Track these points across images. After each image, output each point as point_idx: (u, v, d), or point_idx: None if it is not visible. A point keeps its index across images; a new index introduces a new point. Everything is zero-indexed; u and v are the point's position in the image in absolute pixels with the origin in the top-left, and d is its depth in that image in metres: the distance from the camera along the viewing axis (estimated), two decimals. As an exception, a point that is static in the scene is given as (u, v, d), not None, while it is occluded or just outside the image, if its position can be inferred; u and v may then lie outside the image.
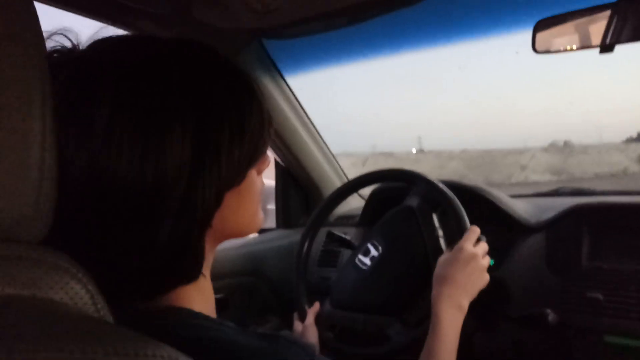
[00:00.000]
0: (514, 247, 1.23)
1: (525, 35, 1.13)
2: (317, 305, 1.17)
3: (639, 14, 0.99)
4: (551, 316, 1.06)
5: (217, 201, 0.50)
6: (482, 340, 0.96)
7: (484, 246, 0.95)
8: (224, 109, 0.50)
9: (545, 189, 1.54)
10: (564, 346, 1.08)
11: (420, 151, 18.95)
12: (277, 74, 1.44)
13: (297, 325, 1.15)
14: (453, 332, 0.85)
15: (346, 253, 1.39)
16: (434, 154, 18.91)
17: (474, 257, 0.91)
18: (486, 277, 0.93)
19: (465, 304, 0.89)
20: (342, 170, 1.83)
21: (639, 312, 0.99)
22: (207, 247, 0.53)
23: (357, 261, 1.15)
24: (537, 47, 1.11)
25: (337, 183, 1.77)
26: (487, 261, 0.93)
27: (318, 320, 1.13)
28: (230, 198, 0.52)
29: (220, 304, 0.67)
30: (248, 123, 0.52)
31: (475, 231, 0.96)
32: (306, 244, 1.27)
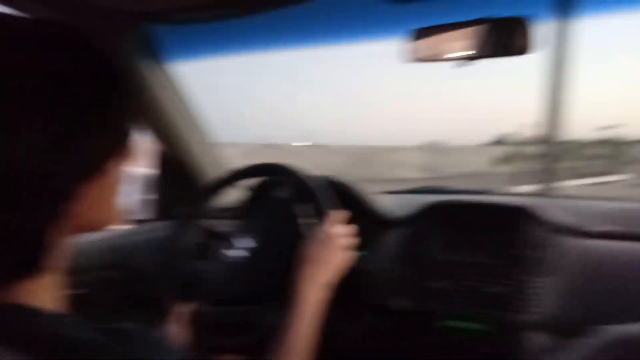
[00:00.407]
0: (378, 240, 1.30)
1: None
2: (189, 304, 1.14)
3: (498, 33, 1.13)
4: (407, 304, 1.15)
5: (69, 193, 0.48)
6: (343, 328, 1.01)
7: (343, 228, 1.00)
8: (79, 97, 0.47)
9: (414, 185, 1.66)
10: (413, 331, 1.19)
11: (306, 145, 19.41)
12: (160, 59, 1.37)
13: (169, 323, 1.11)
14: (314, 309, 0.90)
15: (220, 245, 1.39)
16: (316, 148, 19.51)
17: (333, 237, 0.97)
18: (346, 256, 0.98)
19: (330, 282, 0.94)
20: (222, 162, 1.80)
21: (475, 298, 1.12)
22: (58, 240, 0.49)
23: (229, 254, 1.15)
24: (414, 55, 1.20)
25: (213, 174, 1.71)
26: (347, 242, 0.99)
27: (192, 317, 1.11)
28: (86, 190, 0.50)
29: (80, 300, 0.62)
30: (106, 113, 0.50)
31: (334, 215, 1.01)
32: (178, 237, 1.23)
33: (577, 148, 17.87)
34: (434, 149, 21.31)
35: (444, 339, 1.14)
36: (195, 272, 1.43)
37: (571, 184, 13.69)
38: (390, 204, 1.41)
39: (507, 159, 17.02)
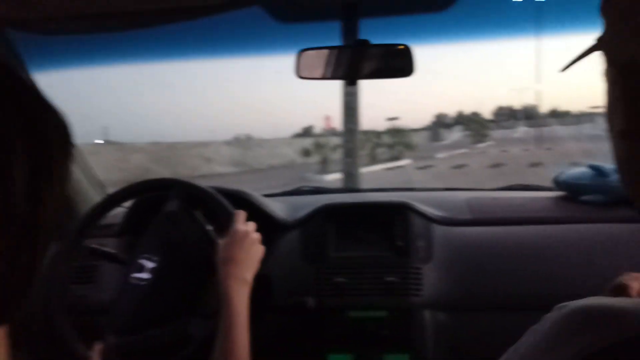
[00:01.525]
0: (273, 244, 1.34)
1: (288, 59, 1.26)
2: (98, 345, 1.02)
3: (375, 57, 1.26)
4: (310, 302, 1.22)
5: None
6: (251, 332, 1.03)
7: (251, 224, 1.06)
8: (45, 128, 0.43)
9: (229, 180, 1.70)
10: (320, 326, 1.26)
11: (105, 143, 17.65)
12: (25, 69, 1.18)
13: None
14: (242, 304, 0.94)
15: (107, 267, 1.29)
16: (117, 146, 17.97)
17: (247, 234, 1.02)
18: (261, 249, 1.04)
19: (249, 277, 0.98)
20: (94, 173, 1.62)
21: (371, 289, 1.26)
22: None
23: (132, 280, 1.08)
24: (300, 73, 1.26)
25: (91, 191, 1.61)
26: (258, 236, 1.04)
27: (106, 356, 1.00)
28: None
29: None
30: (63, 137, 0.47)
31: (241, 213, 1.07)
32: (65, 266, 1.14)
33: (369, 138, 20.26)
34: (243, 142, 21.66)
35: (349, 329, 1.23)
36: (81, 297, 1.29)
37: (367, 170, 15.56)
38: (280, 208, 1.46)
39: (311, 151, 18.32)
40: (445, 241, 1.31)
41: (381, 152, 20.21)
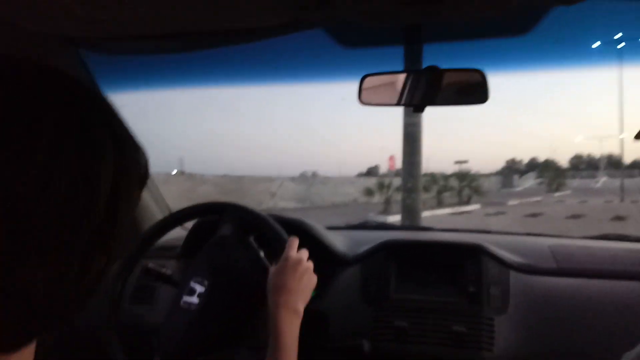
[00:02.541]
0: (332, 279, 1.28)
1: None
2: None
3: (443, 83, 1.18)
4: (366, 346, 1.17)
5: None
6: None
7: (305, 252, 1.01)
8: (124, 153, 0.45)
9: (292, 215, 1.66)
10: None
11: (179, 173, 18.61)
12: (96, 89, 1.22)
13: None
14: (293, 337, 0.90)
15: (164, 288, 1.29)
16: (188, 177, 18.83)
17: (299, 262, 0.97)
18: (314, 279, 0.99)
19: (301, 308, 0.93)
20: (164, 200, 1.67)
21: (436, 337, 1.14)
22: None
23: (182, 303, 1.07)
24: (363, 98, 1.20)
25: (157, 213, 1.64)
26: (311, 264, 0.99)
27: None
28: None
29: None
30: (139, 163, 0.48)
31: (294, 240, 1.02)
32: (120, 284, 1.14)
33: (436, 180, 19.83)
34: (307, 179, 21.97)
35: None
36: (137, 317, 1.33)
37: (431, 214, 15.11)
38: (339, 241, 1.38)
39: (376, 190, 18.21)
40: (523, 291, 1.17)
41: (448, 196, 19.65)
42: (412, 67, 1.16)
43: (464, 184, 20.19)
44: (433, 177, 20.16)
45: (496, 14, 1.12)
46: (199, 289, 1.08)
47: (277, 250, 1.03)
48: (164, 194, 1.74)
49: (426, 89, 1.18)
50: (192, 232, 1.46)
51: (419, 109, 1.21)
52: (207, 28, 1.08)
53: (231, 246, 1.12)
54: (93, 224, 0.41)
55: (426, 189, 18.35)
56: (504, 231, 1.66)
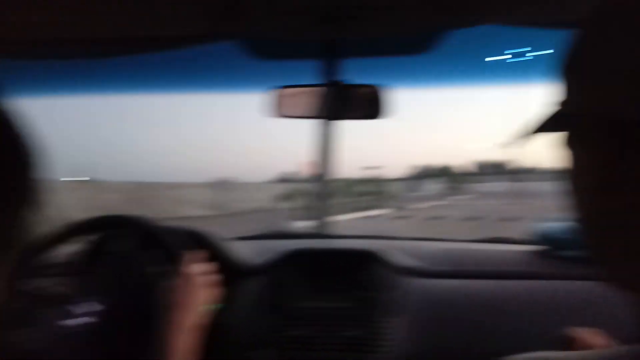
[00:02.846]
0: (236, 291, 1.28)
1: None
2: None
3: (352, 98, 1.25)
4: (272, 356, 1.16)
5: None
6: None
7: (202, 266, 1.00)
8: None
9: (203, 223, 1.63)
10: None
11: (77, 181, 17.27)
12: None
13: None
14: (184, 356, 0.88)
15: (48, 310, 1.17)
16: (89, 184, 17.60)
17: (195, 277, 0.96)
18: (214, 293, 0.98)
19: (197, 325, 0.92)
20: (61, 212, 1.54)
21: (333, 344, 1.19)
22: None
23: (70, 325, 0.99)
24: (276, 110, 1.23)
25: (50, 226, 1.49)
26: (207, 279, 0.98)
27: None
28: None
29: None
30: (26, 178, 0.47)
31: (191, 255, 1.01)
32: None
33: (347, 186, 20.39)
34: (220, 185, 21.50)
35: None
36: (17, 344, 1.19)
37: (343, 218, 15.50)
38: (245, 252, 1.38)
39: (288, 196, 18.28)
40: (416, 293, 1.25)
41: (359, 200, 20.28)
42: (325, 81, 1.21)
43: (374, 189, 20.96)
44: (345, 182, 20.70)
45: (403, 33, 1.21)
46: (94, 307, 1.02)
47: (175, 265, 1.01)
48: (65, 205, 1.63)
49: (338, 103, 1.24)
50: (86, 247, 1.38)
51: (329, 121, 1.27)
52: (123, 35, 1.05)
53: (126, 262, 1.08)
54: None
55: (339, 193, 18.82)
56: (403, 236, 1.76)
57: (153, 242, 1.09)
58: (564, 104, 0.39)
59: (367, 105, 1.24)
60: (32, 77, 1.24)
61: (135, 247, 1.10)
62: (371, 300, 1.23)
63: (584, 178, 0.39)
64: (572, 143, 0.40)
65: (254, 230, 1.80)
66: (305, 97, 1.23)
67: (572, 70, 0.37)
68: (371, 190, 20.91)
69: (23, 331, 1.21)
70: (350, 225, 13.89)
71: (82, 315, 1.00)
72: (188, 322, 0.91)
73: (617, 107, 0.32)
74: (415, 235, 1.78)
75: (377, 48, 1.36)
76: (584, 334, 0.72)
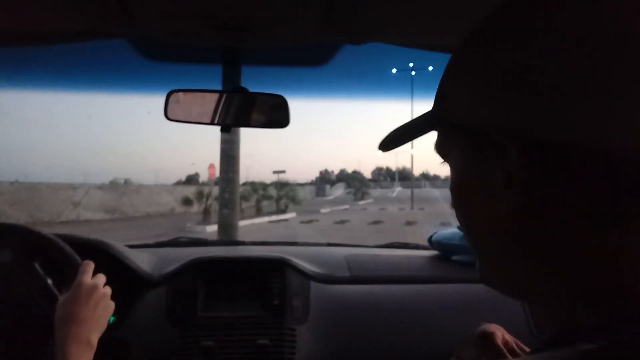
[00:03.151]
0: (136, 302, 1.22)
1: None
2: None
3: (251, 105, 1.23)
4: None
5: None
6: None
7: (101, 277, 0.94)
8: None
9: (99, 227, 1.56)
10: None
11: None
12: None
13: None
14: None
15: None
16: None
17: (94, 288, 0.90)
18: (112, 306, 0.93)
19: (95, 339, 0.87)
20: None
21: (242, 353, 1.17)
22: None
23: None
24: (169, 114, 1.18)
25: None
26: (108, 290, 0.93)
27: None
28: None
29: None
30: None
31: (88, 264, 0.95)
32: None
33: (253, 190, 20.24)
34: (118, 187, 20.24)
35: None
36: None
37: (249, 223, 15.38)
38: (146, 261, 1.32)
39: (194, 199, 17.76)
40: (322, 300, 1.27)
41: (267, 204, 20.22)
42: (224, 88, 1.18)
43: (281, 193, 21.02)
44: (253, 186, 20.54)
45: (295, 44, 1.22)
46: None
47: (67, 276, 0.95)
48: None
49: (234, 110, 1.21)
50: None
51: (227, 129, 1.24)
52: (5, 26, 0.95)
53: (11, 274, 0.99)
54: None
55: (246, 197, 18.61)
56: (308, 242, 1.79)
57: (40, 251, 1.02)
58: (442, 109, 0.39)
59: (265, 114, 1.23)
60: None
61: (21, 257, 1.01)
62: (278, 307, 1.22)
63: (458, 186, 0.40)
64: (446, 150, 0.41)
65: (152, 235, 1.71)
66: (199, 102, 1.19)
67: (452, 84, 0.38)
68: (280, 194, 20.94)
69: None
70: (259, 229, 13.81)
71: None
72: (86, 336, 0.85)
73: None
74: (322, 240, 1.82)
75: (276, 57, 1.36)
76: (497, 329, 0.71)
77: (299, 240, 1.79)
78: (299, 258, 1.37)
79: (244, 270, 1.32)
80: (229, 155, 7.20)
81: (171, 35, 1.09)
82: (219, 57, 1.27)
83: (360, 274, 1.37)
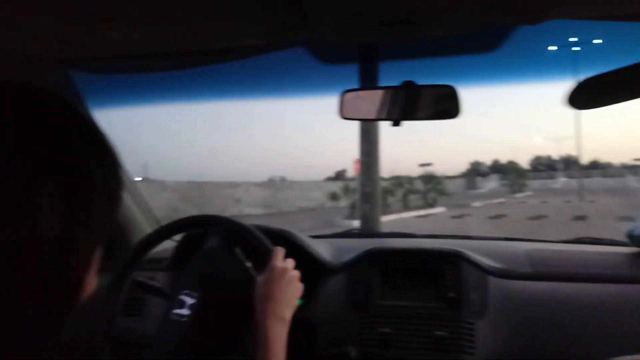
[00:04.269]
0: (318, 288, 1.32)
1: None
2: None
3: (420, 98, 1.27)
4: (353, 353, 1.19)
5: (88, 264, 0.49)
6: None
7: (290, 261, 1.06)
8: (89, 170, 0.46)
9: (259, 221, 1.71)
10: None
11: (143, 180, 18.22)
12: (83, 107, 1.30)
13: None
14: (281, 345, 0.94)
15: (154, 300, 1.32)
16: (148, 183, 18.44)
17: (285, 271, 1.02)
18: (300, 287, 1.04)
19: (288, 316, 0.98)
20: (151, 211, 1.71)
21: (419, 342, 1.20)
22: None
23: (173, 315, 1.10)
24: (344, 113, 1.27)
25: (145, 226, 1.67)
26: (297, 273, 1.04)
27: None
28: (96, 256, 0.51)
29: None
30: (110, 181, 0.50)
31: (280, 250, 1.07)
32: (113, 298, 1.17)
33: (400, 184, 20.15)
34: (273, 184, 21.89)
35: None
36: (128, 330, 1.35)
37: (398, 217, 15.35)
38: (324, 250, 1.43)
39: (342, 194, 18.33)
40: (502, 295, 1.24)
41: (414, 198, 20.02)
42: (391, 83, 1.23)
43: (429, 187, 20.62)
44: (399, 181, 20.49)
45: (462, 34, 1.22)
46: (189, 300, 1.11)
47: (263, 260, 1.07)
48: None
49: (403, 104, 1.25)
50: (181, 244, 1.49)
51: (397, 123, 1.29)
52: (194, 48, 1.13)
53: (218, 258, 1.17)
54: (41, 263, 0.42)
55: (392, 192, 18.66)
56: (483, 236, 1.74)
57: (240, 239, 1.17)
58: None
59: (434, 106, 1.25)
60: (112, 89, 1.36)
61: (224, 244, 1.18)
62: (457, 300, 1.23)
63: None
64: None
65: (305, 229, 1.86)
66: (370, 100, 1.25)
67: None
68: (427, 188, 20.57)
69: (137, 319, 1.39)
70: (407, 224, 13.74)
71: (182, 306, 1.11)
72: (281, 313, 0.96)
73: None
74: (483, 235, 1.77)
75: (442, 48, 1.37)
76: None
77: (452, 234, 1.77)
78: (475, 252, 1.35)
79: (419, 262, 1.35)
80: (369, 145, 7.24)
81: (344, 37, 1.18)
82: (383, 54, 1.32)
83: (544, 270, 1.30)
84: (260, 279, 1.03)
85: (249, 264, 1.17)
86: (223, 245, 1.19)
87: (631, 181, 38.15)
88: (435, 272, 1.31)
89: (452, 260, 1.31)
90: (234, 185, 19.35)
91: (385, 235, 1.79)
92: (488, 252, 1.39)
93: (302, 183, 22.65)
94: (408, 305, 1.26)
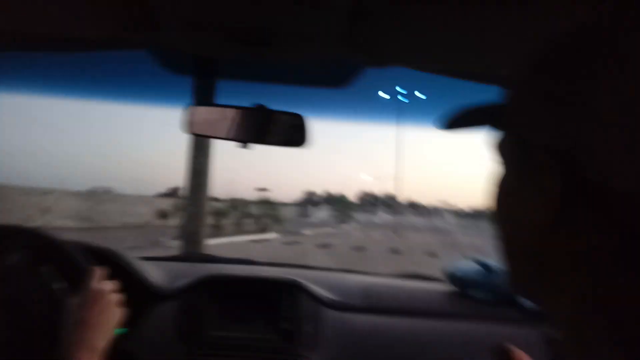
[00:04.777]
0: (145, 315, 1.23)
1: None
2: None
3: (272, 123, 1.26)
4: None
5: None
6: None
7: (111, 283, 0.96)
8: None
9: (69, 235, 1.56)
10: None
11: None
12: None
13: None
14: None
15: None
16: None
17: (102, 293, 0.92)
18: (120, 313, 0.94)
19: (100, 345, 0.87)
20: None
21: None
22: None
23: None
24: (190, 128, 1.20)
25: None
26: (117, 297, 0.94)
27: None
28: None
29: None
30: None
31: (97, 270, 0.97)
32: None
33: (237, 206, 20.13)
34: (92, 195, 19.94)
35: None
36: None
37: (231, 240, 15.23)
38: (156, 274, 1.32)
39: (172, 212, 17.59)
40: (334, 327, 1.26)
41: (248, 222, 20.10)
42: (250, 104, 1.21)
43: (264, 212, 20.93)
44: (233, 203, 20.41)
45: (317, 64, 1.26)
46: None
47: (76, 281, 0.96)
48: None
49: (254, 127, 1.24)
50: None
51: (246, 145, 1.26)
52: (14, 28, 0.96)
53: (18, 277, 1.00)
54: None
55: (225, 214, 18.48)
56: (321, 267, 1.79)
57: (49, 255, 1.03)
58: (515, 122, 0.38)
59: (288, 133, 1.26)
60: None
61: (29, 261, 1.02)
62: (289, 332, 1.22)
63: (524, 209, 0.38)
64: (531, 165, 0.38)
65: (128, 246, 1.72)
66: (219, 117, 1.21)
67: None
68: (262, 213, 20.84)
69: None
70: (239, 248, 13.64)
71: None
72: (92, 342, 0.86)
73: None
74: (316, 263, 1.82)
75: (296, 76, 1.39)
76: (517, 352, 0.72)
77: (285, 262, 1.81)
78: (313, 282, 1.37)
79: (255, 290, 1.32)
80: (197, 168, 6.98)
81: (193, 47, 1.12)
82: (238, 73, 1.29)
83: (375, 304, 1.37)
84: (71, 302, 0.91)
85: (59, 285, 1.02)
86: (25, 262, 1.02)
87: (437, 221, 43.99)
88: (272, 302, 1.29)
89: (290, 290, 1.30)
90: (43, 192, 17.08)
91: (223, 261, 1.73)
92: (325, 283, 1.42)
93: (128, 197, 21.04)
94: (240, 336, 1.22)
